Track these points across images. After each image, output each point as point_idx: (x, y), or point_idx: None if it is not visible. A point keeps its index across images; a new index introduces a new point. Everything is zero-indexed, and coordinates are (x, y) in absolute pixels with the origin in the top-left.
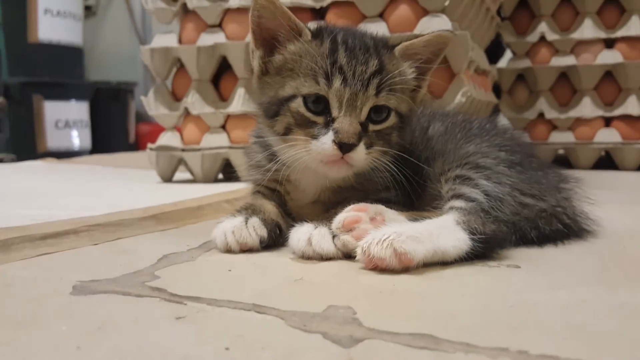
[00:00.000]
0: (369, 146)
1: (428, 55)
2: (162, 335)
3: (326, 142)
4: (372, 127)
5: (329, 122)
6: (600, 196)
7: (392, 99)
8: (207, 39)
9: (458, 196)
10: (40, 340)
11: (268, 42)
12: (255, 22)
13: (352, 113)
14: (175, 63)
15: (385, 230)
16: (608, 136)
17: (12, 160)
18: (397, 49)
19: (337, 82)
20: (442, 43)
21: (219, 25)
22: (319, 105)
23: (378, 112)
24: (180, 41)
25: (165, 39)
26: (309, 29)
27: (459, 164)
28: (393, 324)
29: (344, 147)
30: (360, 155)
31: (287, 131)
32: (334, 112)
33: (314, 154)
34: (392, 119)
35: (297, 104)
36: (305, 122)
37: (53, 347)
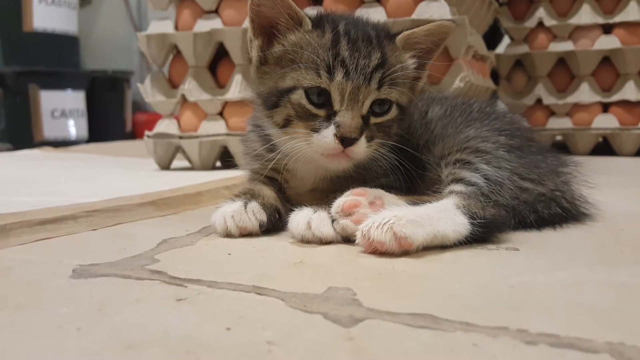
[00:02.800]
0: (369, 139)
1: (429, 45)
2: (163, 316)
3: (328, 135)
4: (373, 120)
5: (330, 116)
6: (598, 181)
7: (394, 92)
8: (204, 25)
9: (458, 180)
10: (41, 322)
11: (267, 31)
12: (254, 11)
13: (354, 107)
14: (171, 50)
15: (385, 214)
16: (606, 122)
17: (9, 150)
18: (399, 39)
19: (339, 76)
20: (444, 33)
21: (216, 11)
22: (321, 97)
23: (379, 105)
24: (176, 27)
25: (162, 26)
26: (310, 18)
27: (459, 148)
28: (393, 304)
29: (346, 141)
30: (361, 149)
31: (286, 122)
32: (336, 106)
33: (315, 147)
34: (393, 112)
35: (299, 96)
36: (306, 115)
37: (54, 328)
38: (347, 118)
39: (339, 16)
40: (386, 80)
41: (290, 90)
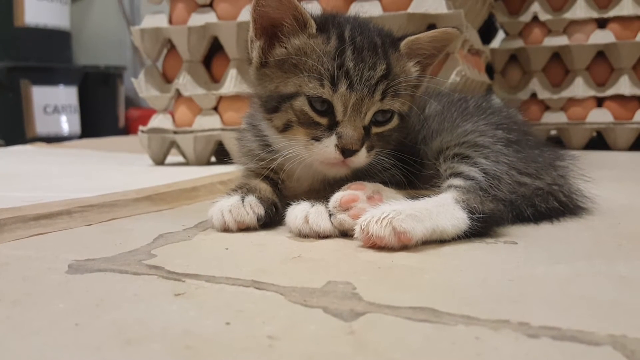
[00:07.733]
0: (369, 149)
1: (432, 51)
2: (161, 311)
3: (329, 145)
4: (374, 130)
5: (332, 125)
6: (593, 175)
7: (397, 102)
8: (198, 19)
9: (456, 174)
10: (38, 317)
11: (269, 32)
12: (258, 11)
13: (357, 118)
14: (165, 44)
15: (385, 208)
16: (600, 116)
17: (1, 146)
18: (403, 45)
19: (343, 87)
20: (447, 39)
21: (210, 5)
22: (324, 105)
23: (381, 115)
24: (170, 21)
25: (156, 20)
26: (315, 20)
27: (457, 143)
28: (393, 297)
29: (347, 153)
30: (361, 159)
31: (286, 127)
32: (339, 116)
33: (315, 155)
34: (395, 121)
35: (301, 103)
36: (308, 122)
37: (51, 323)
38: (349, 130)
39: (344, 19)
40: (390, 91)
41: (292, 96)
